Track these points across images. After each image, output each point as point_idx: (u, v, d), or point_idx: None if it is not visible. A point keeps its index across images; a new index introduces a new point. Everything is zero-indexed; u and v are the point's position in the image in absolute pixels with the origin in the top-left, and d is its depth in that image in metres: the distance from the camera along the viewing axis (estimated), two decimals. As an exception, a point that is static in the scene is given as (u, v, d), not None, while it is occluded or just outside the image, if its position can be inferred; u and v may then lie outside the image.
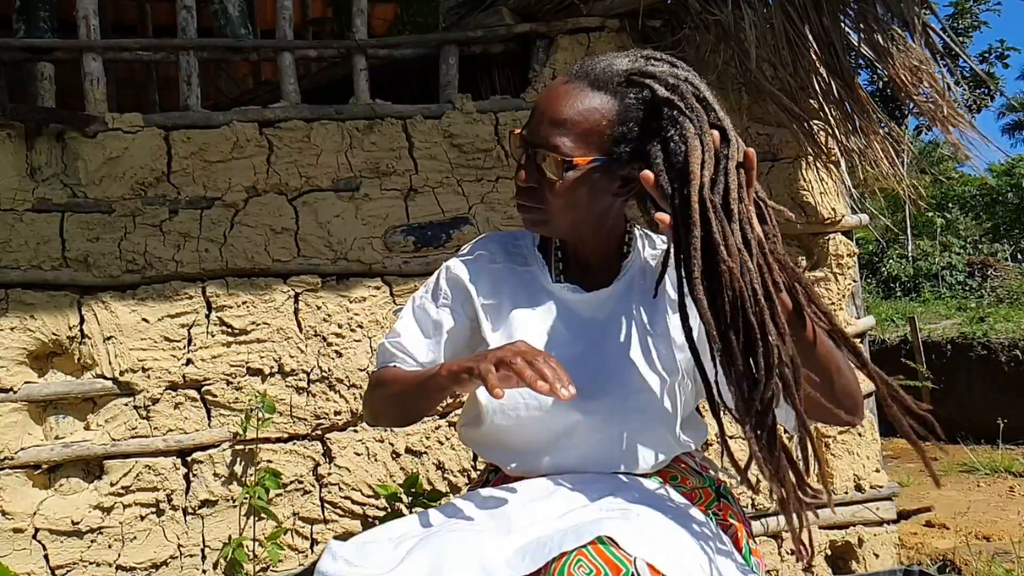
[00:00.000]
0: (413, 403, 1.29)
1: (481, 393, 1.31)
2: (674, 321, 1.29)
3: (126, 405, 2.00)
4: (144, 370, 2.00)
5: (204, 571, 2.01)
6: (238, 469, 2.04)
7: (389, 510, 1.98)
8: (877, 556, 2.39)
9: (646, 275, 1.34)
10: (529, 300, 1.35)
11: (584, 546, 0.97)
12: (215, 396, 2.03)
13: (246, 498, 1.94)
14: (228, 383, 2.04)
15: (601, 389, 1.27)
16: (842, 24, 2.26)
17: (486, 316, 1.34)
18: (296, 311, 2.09)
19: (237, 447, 2.04)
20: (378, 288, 2.14)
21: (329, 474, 2.08)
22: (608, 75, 1.18)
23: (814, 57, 2.24)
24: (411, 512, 1.23)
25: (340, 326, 2.10)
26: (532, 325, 1.33)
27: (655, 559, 0.97)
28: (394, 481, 2.09)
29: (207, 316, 2.05)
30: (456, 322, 1.34)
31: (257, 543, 1.98)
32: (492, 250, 1.39)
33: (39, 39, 2.34)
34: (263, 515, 1.98)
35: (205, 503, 2.02)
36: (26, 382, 1.97)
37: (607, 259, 1.34)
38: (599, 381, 1.28)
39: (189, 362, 2.03)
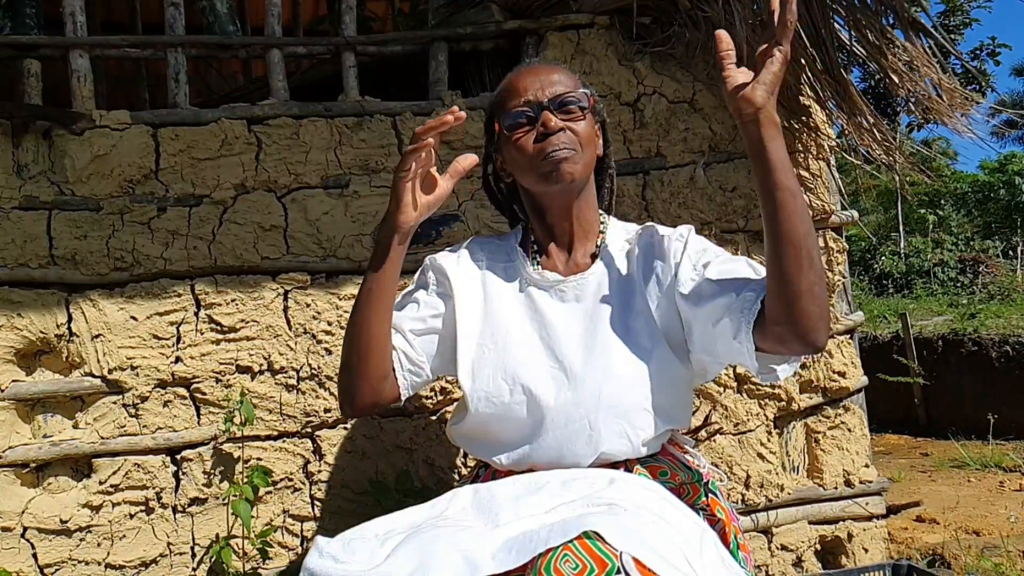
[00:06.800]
0: (367, 295, 1.30)
1: (464, 381, 1.33)
2: (652, 292, 1.33)
3: (115, 403, 2.00)
4: (133, 368, 1.99)
5: (194, 569, 2.01)
6: (227, 467, 2.03)
7: (378, 507, 1.98)
8: (867, 551, 2.40)
9: (622, 256, 1.38)
10: (512, 292, 1.39)
11: (570, 541, 0.98)
12: (204, 394, 2.03)
13: (234, 496, 1.93)
14: (217, 381, 2.04)
15: (584, 369, 1.29)
16: (833, 21, 2.27)
17: (465, 304, 1.38)
18: (285, 309, 2.09)
19: (226, 445, 2.03)
20: (368, 285, 2.13)
21: (319, 471, 2.08)
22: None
23: (804, 54, 2.24)
24: (399, 509, 1.23)
25: (330, 323, 2.09)
26: (515, 315, 1.36)
27: (641, 554, 0.97)
28: (384, 478, 2.08)
29: (196, 314, 2.05)
30: (442, 303, 1.39)
31: (246, 540, 1.98)
32: (474, 250, 1.46)
33: (25, 36, 2.33)
34: (252, 513, 1.97)
35: (194, 501, 2.02)
36: (14, 380, 1.96)
37: (585, 241, 1.39)
38: (580, 362, 1.30)
39: (178, 360, 2.02)
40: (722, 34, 1.19)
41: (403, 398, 1.37)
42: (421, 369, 1.38)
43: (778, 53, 1.15)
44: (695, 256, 1.32)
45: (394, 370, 1.35)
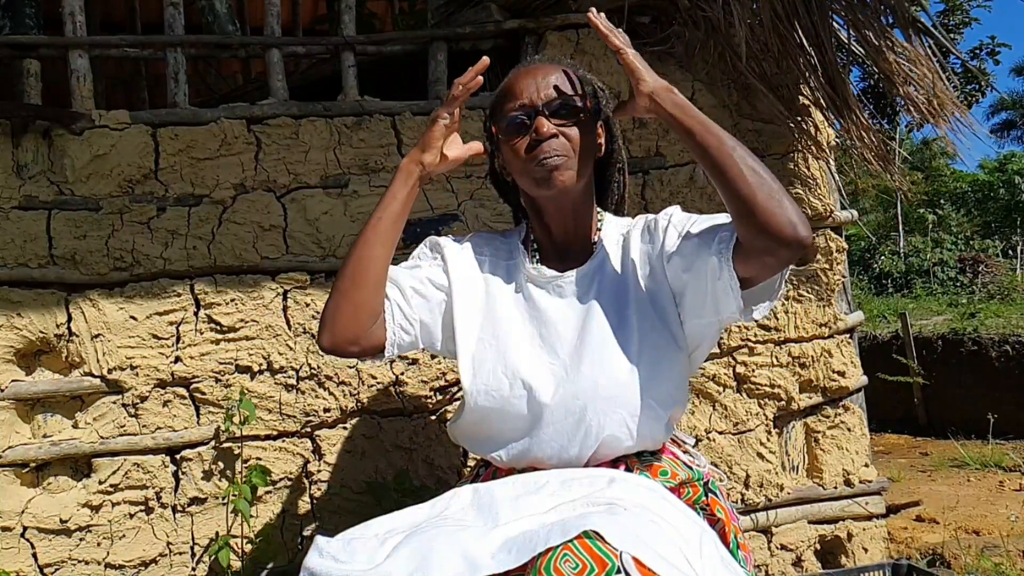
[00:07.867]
0: (374, 224, 1.33)
1: (465, 376, 1.33)
2: (644, 275, 1.34)
3: (114, 403, 2.00)
4: (132, 368, 1.99)
5: (193, 568, 2.01)
6: (227, 466, 2.03)
7: (377, 507, 1.98)
8: (866, 550, 2.40)
9: (617, 248, 1.40)
10: (513, 289, 1.40)
11: (570, 541, 0.98)
12: (204, 393, 2.03)
13: (234, 495, 1.94)
14: (217, 380, 2.04)
15: (581, 363, 1.30)
16: (832, 21, 2.27)
17: (464, 296, 1.38)
18: (285, 308, 2.09)
19: (226, 445, 2.03)
20: (367, 285, 2.13)
21: (319, 471, 2.08)
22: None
23: (802, 53, 2.24)
24: (398, 508, 1.23)
25: (329, 323, 2.09)
26: (515, 311, 1.37)
27: (641, 553, 0.97)
28: (383, 477, 2.08)
29: (195, 313, 2.05)
30: (444, 277, 1.40)
31: (245, 540, 1.98)
32: (478, 244, 1.47)
33: (24, 35, 2.33)
34: (252, 512, 1.97)
35: (194, 500, 2.02)
36: (13, 380, 1.96)
37: (583, 239, 1.40)
38: (577, 356, 1.31)
39: (178, 360, 2.02)
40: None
41: (386, 352, 1.34)
42: (411, 327, 1.36)
43: (623, 56, 1.33)
44: (680, 225, 1.35)
45: (385, 320, 1.33)
